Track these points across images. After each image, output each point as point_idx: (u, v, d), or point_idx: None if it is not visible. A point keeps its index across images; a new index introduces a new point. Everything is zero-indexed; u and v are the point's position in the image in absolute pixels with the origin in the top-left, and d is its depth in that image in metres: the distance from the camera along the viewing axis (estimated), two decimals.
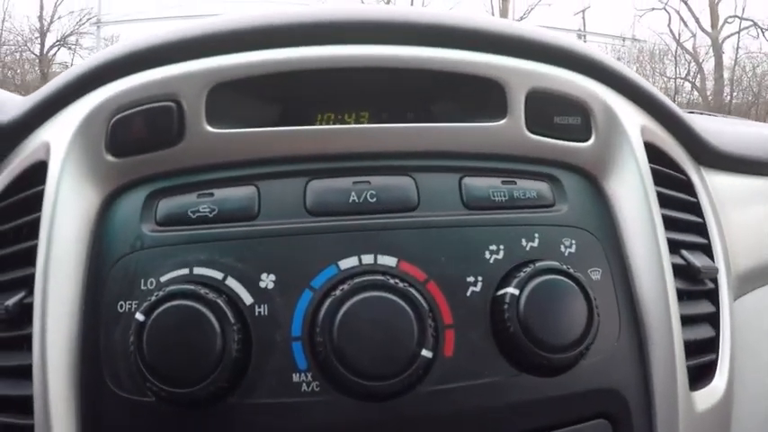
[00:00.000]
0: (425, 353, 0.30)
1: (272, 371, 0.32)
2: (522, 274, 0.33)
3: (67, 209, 0.36)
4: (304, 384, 0.32)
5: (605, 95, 0.42)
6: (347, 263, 0.33)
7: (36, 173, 0.38)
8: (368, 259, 0.33)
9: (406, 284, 0.32)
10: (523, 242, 0.36)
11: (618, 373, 0.36)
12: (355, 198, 0.36)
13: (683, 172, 0.47)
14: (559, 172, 0.40)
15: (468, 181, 0.37)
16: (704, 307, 0.43)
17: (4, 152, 0.42)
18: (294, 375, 0.32)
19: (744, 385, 0.45)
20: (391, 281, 0.31)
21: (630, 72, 0.47)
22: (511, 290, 0.32)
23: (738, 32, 10.03)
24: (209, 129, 0.36)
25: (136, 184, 0.37)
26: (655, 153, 0.44)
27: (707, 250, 0.45)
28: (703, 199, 0.48)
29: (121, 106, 0.36)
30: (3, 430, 0.35)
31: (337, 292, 0.31)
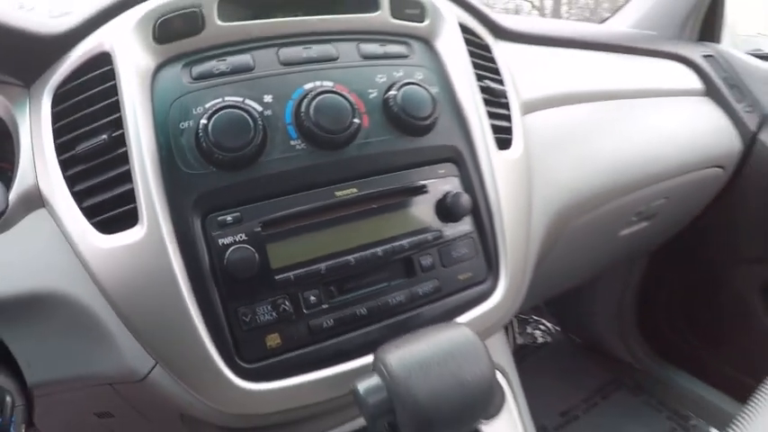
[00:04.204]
0: (356, 120, 0.67)
1: (279, 141, 0.65)
2: (401, 84, 0.72)
3: (133, 73, 0.63)
4: (297, 145, 0.66)
5: None
6: (308, 86, 0.69)
7: (100, 60, 0.66)
8: (317, 83, 0.69)
9: (343, 91, 0.69)
10: (395, 73, 0.74)
11: (454, 137, 0.76)
12: (305, 54, 0.71)
13: (483, 39, 0.89)
14: (410, 39, 0.79)
15: (361, 45, 0.75)
16: (502, 109, 0.85)
17: (65, 51, 0.69)
18: (291, 141, 0.66)
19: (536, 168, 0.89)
20: (335, 88, 0.68)
21: None
22: (392, 92, 0.71)
23: None
24: (219, 23, 0.68)
25: (173, 59, 0.66)
26: (466, 30, 0.85)
27: (501, 83, 0.87)
28: (497, 55, 0.90)
29: (165, 12, 0.66)
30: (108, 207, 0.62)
31: (311, 95, 0.66)
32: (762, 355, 1.14)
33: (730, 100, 1.46)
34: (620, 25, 1.61)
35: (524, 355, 2.04)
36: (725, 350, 1.32)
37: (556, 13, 4.79)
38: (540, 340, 2.18)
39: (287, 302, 0.63)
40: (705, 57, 1.51)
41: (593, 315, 2.06)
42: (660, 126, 1.22)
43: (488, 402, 0.58)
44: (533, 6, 5.22)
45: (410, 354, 0.57)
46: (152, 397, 0.67)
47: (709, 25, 1.66)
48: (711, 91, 1.46)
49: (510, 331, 2.04)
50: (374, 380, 0.57)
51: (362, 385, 0.57)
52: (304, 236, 0.65)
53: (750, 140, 1.46)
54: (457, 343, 0.59)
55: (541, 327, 2.21)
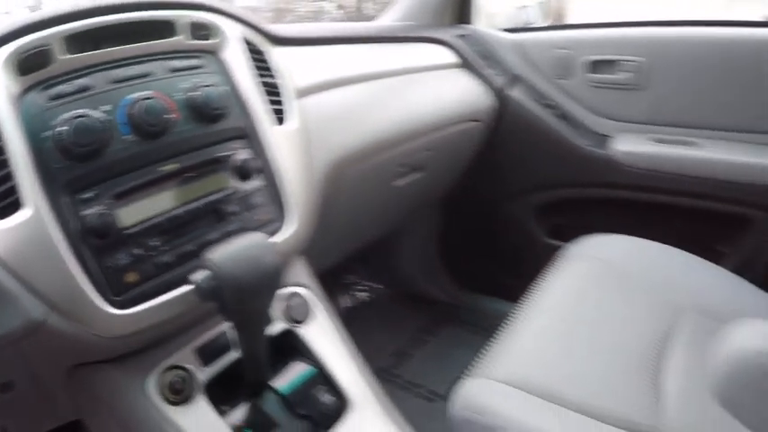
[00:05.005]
0: (170, 116, 0.92)
1: (116, 138, 0.84)
2: (199, 87, 0.97)
3: (4, 99, 0.79)
4: (130, 139, 0.85)
5: (217, 20, 1.05)
6: (133, 96, 0.87)
7: None
8: (140, 93, 0.88)
9: (158, 96, 0.93)
10: (194, 80, 0.95)
11: (242, 120, 1.00)
12: (129, 73, 0.90)
13: (258, 47, 1.16)
14: (204, 54, 1.03)
15: (168, 62, 0.96)
16: (277, 97, 1.12)
17: None
18: (125, 137, 0.85)
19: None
20: (152, 95, 0.92)
21: (236, 10, 1.12)
22: (194, 93, 0.96)
23: None
24: (64, 56, 0.84)
25: (34, 86, 0.83)
26: (247, 42, 1.14)
27: (274, 78, 1.16)
28: (272, 57, 1.18)
29: (24, 50, 0.82)
30: None
31: (136, 102, 0.89)
32: (545, 266, 1.45)
33: (482, 68, 1.89)
34: (387, 21, 1.99)
35: (353, 316, 2.24)
36: (518, 270, 1.60)
37: (359, 10, 5.14)
38: (366, 299, 2.42)
39: (139, 249, 0.85)
40: (459, 36, 1.91)
41: (405, 266, 2.38)
42: (420, 94, 1.60)
43: (279, 276, 0.87)
44: (339, 6, 5.48)
45: (227, 251, 0.82)
46: (49, 342, 0.83)
47: (464, 11, 2.07)
48: (466, 63, 1.88)
49: (335, 297, 2.26)
50: (205, 272, 0.80)
51: (199, 277, 0.81)
52: (145, 200, 0.87)
53: (501, 97, 1.89)
54: (255, 241, 0.86)
55: (363, 287, 2.45)
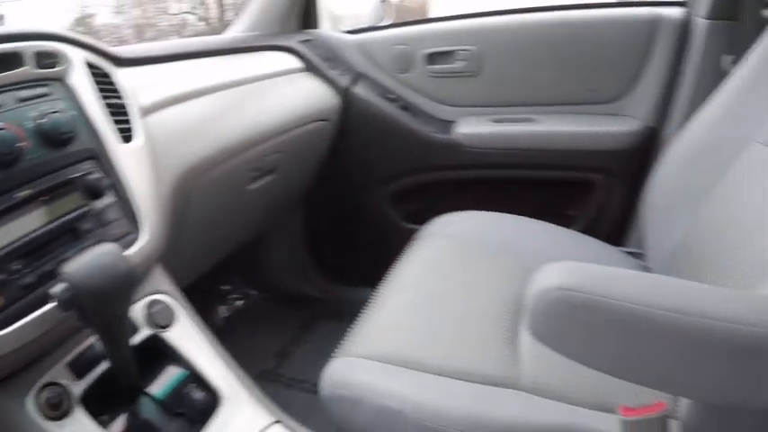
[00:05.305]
0: (20, 144, 0.95)
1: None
2: (46, 114, 1.01)
3: None
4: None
5: (62, 47, 1.10)
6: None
7: None
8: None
9: (8, 126, 0.96)
10: (42, 107, 1.00)
11: (91, 142, 1.06)
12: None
13: (103, 70, 1.22)
14: (51, 81, 1.05)
15: (16, 92, 0.99)
16: (123, 116, 1.18)
17: None
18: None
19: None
20: (4, 125, 0.95)
21: (79, 36, 1.18)
22: (43, 121, 1.00)
23: None
24: None
25: None
26: (92, 66, 1.19)
27: (120, 98, 1.22)
28: (117, 79, 1.25)
29: None
30: None
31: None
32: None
33: (326, 70, 1.99)
34: (234, 32, 2.06)
35: (232, 325, 2.27)
36: (383, 258, 1.66)
37: (221, 21, 5.18)
38: (242, 307, 2.43)
39: (2, 274, 0.87)
40: (303, 42, 2.01)
41: (275, 269, 2.43)
42: (265, 100, 1.68)
43: (132, 281, 0.93)
44: (200, 18, 5.46)
45: (80, 262, 0.84)
46: None
47: (309, 16, 2.17)
48: (310, 66, 1.97)
49: (212, 308, 2.28)
50: (63, 284, 0.83)
51: (57, 289, 0.83)
52: (4, 227, 0.90)
53: (346, 96, 2.00)
54: (106, 250, 0.91)
55: (239, 295, 2.46)
